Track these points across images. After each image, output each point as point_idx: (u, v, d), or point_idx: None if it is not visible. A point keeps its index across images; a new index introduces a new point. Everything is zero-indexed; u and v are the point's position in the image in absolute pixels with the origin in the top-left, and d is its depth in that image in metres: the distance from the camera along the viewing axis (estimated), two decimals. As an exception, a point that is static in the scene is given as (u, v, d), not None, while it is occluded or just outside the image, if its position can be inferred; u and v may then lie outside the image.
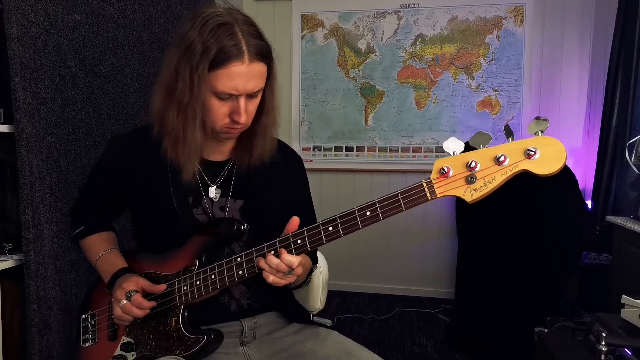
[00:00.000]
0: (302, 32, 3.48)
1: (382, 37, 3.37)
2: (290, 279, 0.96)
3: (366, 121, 3.44)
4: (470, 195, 0.83)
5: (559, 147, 0.79)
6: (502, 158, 0.81)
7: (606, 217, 2.24)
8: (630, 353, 1.29)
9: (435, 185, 0.85)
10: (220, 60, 0.91)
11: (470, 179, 0.83)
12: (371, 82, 3.41)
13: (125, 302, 0.99)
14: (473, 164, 0.82)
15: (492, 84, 3.25)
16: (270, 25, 3.52)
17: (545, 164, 0.79)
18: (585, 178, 3.05)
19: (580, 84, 3.16)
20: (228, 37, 0.91)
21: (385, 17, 3.36)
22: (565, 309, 2.26)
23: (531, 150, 0.79)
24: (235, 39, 0.91)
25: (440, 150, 3.34)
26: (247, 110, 0.98)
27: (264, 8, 3.55)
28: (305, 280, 1.16)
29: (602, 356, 1.26)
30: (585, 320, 1.54)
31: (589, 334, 1.36)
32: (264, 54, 0.96)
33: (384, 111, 3.41)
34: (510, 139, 0.82)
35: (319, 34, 3.46)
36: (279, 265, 0.92)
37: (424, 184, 0.85)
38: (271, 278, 0.94)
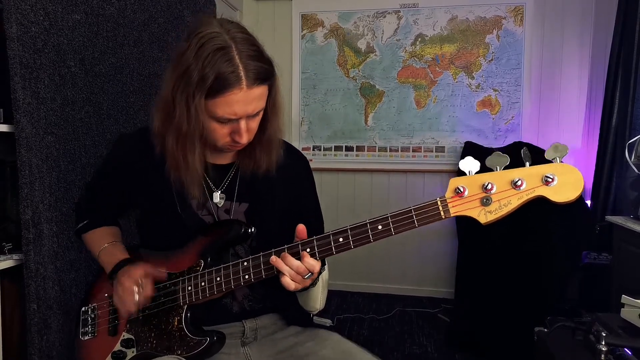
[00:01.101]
0: (302, 32, 3.48)
1: (382, 37, 3.37)
2: (306, 282, 0.95)
3: (366, 121, 3.44)
4: (484, 217, 0.83)
5: (577, 175, 0.79)
6: (519, 182, 0.80)
7: (606, 216, 2.24)
8: (630, 353, 1.28)
9: (449, 205, 0.84)
10: (217, 88, 0.89)
11: (485, 201, 0.82)
12: (371, 82, 3.41)
13: (138, 297, 1.00)
14: (489, 186, 0.82)
15: (492, 84, 3.25)
16: (270, 25, 3.52)
17: (562, 192, 0.79)
18: (585, 178, 3.03)
19: (580, 84, 3.16)
20: (225, 64, 0.88)
21: (385, 16, 3.36)
22: (565, 308, 2.26)
23: (549, 177, 0.79)
24: (232, 65, 0.88)
25: (440, 150, 3.34)
26: (248, 129, 0.97)
27: (264, 8, 3.55)
28: (313, 283, 1.15)
29: (602, 356, 1.26)
30: (585, 320, 1.53)
31: (589, 334, 1.36)
32: (264, 76, 0.93)
33: (383, 111, 3.41)
34: (527, 164, 0.81)
35: (318, 34, 3.46)
36: (299, 267, 0.91)
37: (439, 202, 0.85)
38: (292, 285, 0.92)
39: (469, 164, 0.84)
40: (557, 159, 0.80)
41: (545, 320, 1.64)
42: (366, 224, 0.89)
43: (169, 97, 0.94)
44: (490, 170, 0.83)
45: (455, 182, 0.84)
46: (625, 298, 1.46)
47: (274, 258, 0.93)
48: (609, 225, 2.18)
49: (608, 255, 2.34)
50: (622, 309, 1.46)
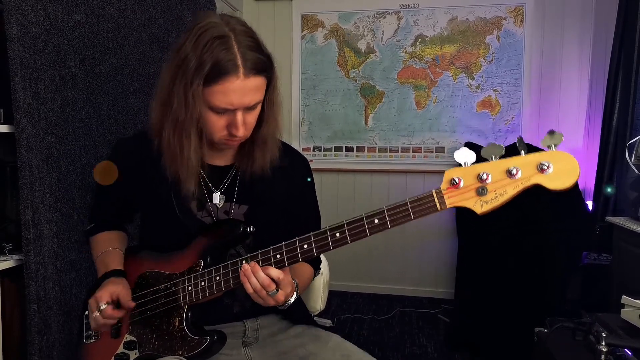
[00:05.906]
0: (302, 32, 3.48)
1: (382, 38, 3.37)
2: (269, 300, 0.94)
3: (366, 121, 3.44)
4: (480, 207, 0.82)
5: (572, 163, 0.77)
6: (514, 171, 0.79)
7: (606, 217, 2.24)
8: (630, 353, 1.28)
9: (445, 196, 0.84)
10: (214, 75, 0.89)
11: (481, 191, 0.82)
12: (371, 83, 3.41)
13: (96, 314, 1.00)
14: (485, 176, 0.81)
15: (492, 84, 3.25)
16: (270, 25, 3.52)
17: (558, 179, 0.78)
18: (586, 178, 3.04)
19: (580, 84, 3.16)
20: (223, 51, 0.88)
21: (385, 17, 3.36)
22: (565, 309, 2.26)
23: (544, 165, 0.78)
24: (230, 53, 0.89)
25: (440, 150, 3.34)
26: (245, 123, 0.96)
27: (264, 8, 3.55)
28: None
29: (602, 356, 1.26)
30: (585, 320, 1.53)
31: (589, 334, 1.36)
32: (262, 67, 0.93)
33: (384, 111, 3.41)
34: (523, 152, 0.81)
35: (319, 34, 3.46)
36: (264, 280, 0.91)
37: (434, 194, 0.84)
38: (259, 300, 0.93)
39: (465, 155, 0.83)
40: (553, 146, 0.79)
41: (545, 320, 1.64)
42: (362, 218, 0.88)
43: (166, 88, 0.95)
44: (486, 160, 0.83)
45: (450, 173, 0.84)
46: (625, 298, 1.46)
47: (245, 266, 0.93)
48: (609, 226, 2.18)
49: (608, 255, 2.34)
50: (622, 309, 1.46)
